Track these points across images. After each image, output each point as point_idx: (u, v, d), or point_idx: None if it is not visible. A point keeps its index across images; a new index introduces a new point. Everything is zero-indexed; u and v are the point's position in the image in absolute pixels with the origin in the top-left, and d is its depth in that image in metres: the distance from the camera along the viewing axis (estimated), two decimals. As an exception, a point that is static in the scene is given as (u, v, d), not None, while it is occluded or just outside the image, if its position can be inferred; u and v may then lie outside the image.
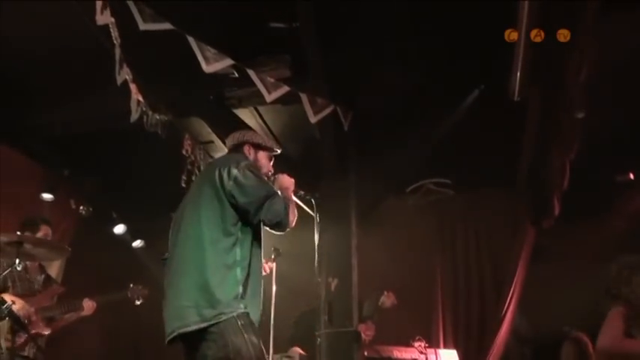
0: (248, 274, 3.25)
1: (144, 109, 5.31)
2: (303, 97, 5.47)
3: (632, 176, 7.13)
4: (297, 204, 3.85)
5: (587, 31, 4.51)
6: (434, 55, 5.51)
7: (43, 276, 5.44)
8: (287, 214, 3.33)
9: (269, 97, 5.27)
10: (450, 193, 7.55)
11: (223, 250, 3.23)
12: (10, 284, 5.05)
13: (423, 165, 6.93)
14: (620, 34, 4.82)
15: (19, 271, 4.98)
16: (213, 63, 5.00)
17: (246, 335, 3.09)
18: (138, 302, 5.99)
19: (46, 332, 5.27)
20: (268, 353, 4.90)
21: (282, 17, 5.31)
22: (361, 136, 6.16)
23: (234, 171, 3.34)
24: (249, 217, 3.30)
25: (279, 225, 3.33)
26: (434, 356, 6.03)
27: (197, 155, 6.23)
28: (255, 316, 3.24)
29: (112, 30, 4.75)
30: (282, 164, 3.95)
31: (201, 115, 6.29)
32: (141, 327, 7.40)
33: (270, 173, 3.72)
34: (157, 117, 5.46)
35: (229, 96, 6.05)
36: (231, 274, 3.19)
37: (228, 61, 5.03)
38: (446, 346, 6.92)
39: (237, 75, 5.38)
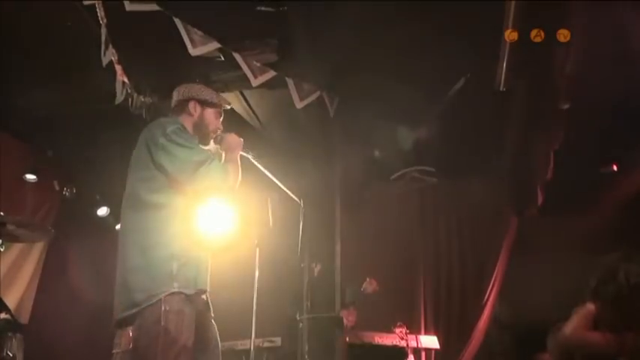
0: (187, 248, 3.10)
1: (129, 90, 5.28)
2: (290, 82, 5.47)
3: (615, 168, 7.18)
4: (283, 189, 3.80)
5: (574, 22, 4.54)
6: (421, 42, 5.50)
7: None
8: (224, 178, 3.17)
9: (255, 82, 5.26)
10: (433, 181, 7.58)
11: (153, 227, 3.08)
12: None
13: (408, 153, 6.94)
14: (606, 24, 4.83)
15: None
16: (199, 46, 5.00)
17: (183, 310, 2.97)
18: None
19: None
20: (249, 337, 4.92)
21: (269, 0, 5.28)
22: (346, 123, 6.16)
23: (160, 139, 3.13)
24: (182, 184, 3.11)
25: (218, 189, 3.21)
26: (415, 342, 6.08)
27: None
28: (192, 291, 3.07)
29: (98, 10, 4.72)
30: (267, 149, 3.92)
31: (186, 98, 6.25)
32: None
33: (218, 131, 3.50)
34: (142, 99, 5.42)
35: (215, 79, 6.01)
36: (165, 251, 3.03)
37: (214, 44, 5.03)
38: (427, 332, 6.98)
39: (223, 58, 5.34)
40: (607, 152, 6.96)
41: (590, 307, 3.49)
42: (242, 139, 3.46)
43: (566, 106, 5.37)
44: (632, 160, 6.98)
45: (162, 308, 2.92)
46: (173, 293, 2.97)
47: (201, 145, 3.35)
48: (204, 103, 3.48)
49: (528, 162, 6.22)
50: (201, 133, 3.44)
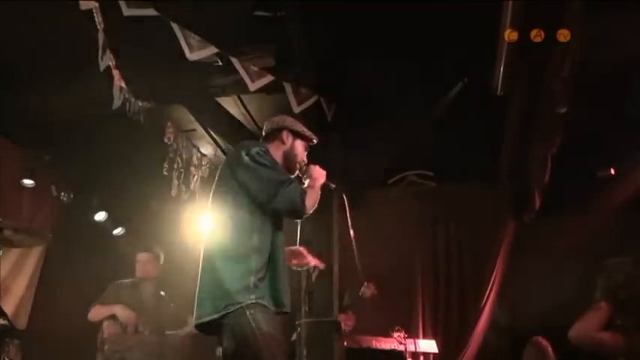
0: (266, 263, 3.17)
1: (126, 95, 5.28)
2: (287, 86, 5.47)
3: (613, 172, 7.19)
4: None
5: (572, 27, 4.54)
6: (419, 47, 5.51)
7: None
8: (302, 201, 3.22)
9: (252, 86, 5.26)
10: (432, 185, 7.58)
11: (238, 239, 3.17)
12: None
13: (406, 156, 6.95)
14: (605, 31, 4.85)
15: None
16: (196, 50, 5.00)
17: (254, 325, 3.00)
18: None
19: None
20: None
21: (267, 6, 5.28)
22: (344, 127, 6.16)
23: (245, 158, 3.25)
24: (264, 205, 3.21)
25: (294, 213, 3.28)
26: (413, 346, 6.07)
27: (179, 143, 6.22)
28: (271, 306, 3.15)
29: (95, 15, 4.73)
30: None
31: (184, 103, 6.26)
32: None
33: (303, 163, 3.61)
34: (140, 104, 5.42)
35: (212, 84, 6.02)
36: (244, 263, 3.12)
37: (211, 49, 5.02)
38: (425, 337, 6.97)
39: (220, 63, 5.34)
40: (604, 156, 6.97)
41: (604, 306, 3.51)
42: (325, 171, 3.56)
43: (563, 110, 5.37)
44: (630, 164, 6.99)
45: (247, 312, 3.02)
46: (254, 303, 3.06)
47: None
48: (296, 134, 3.62)
49: (526, 166, 6.23)
50: (289, 163, 3.57)
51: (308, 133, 3.67)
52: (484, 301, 7.15)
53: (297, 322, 5.74)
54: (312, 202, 3.31)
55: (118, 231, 8.18)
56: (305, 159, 3.65)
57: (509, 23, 4.49)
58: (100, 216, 7.95)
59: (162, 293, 6.23)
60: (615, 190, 7.13)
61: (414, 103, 6.02)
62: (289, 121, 3.67)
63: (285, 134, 3.59)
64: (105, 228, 8.04)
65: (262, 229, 3.22)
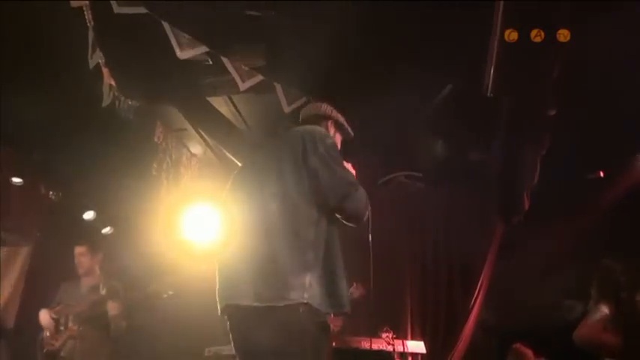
0: (322, 260, 2.93)
1: (116, 94, 5.27)
2: (278, 86, 5.46)
3: (602, 174, 7.24)
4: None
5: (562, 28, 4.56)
6: (409, 47, 5.52)
7: None
8: (366, 208, 3.08)
9: (243, 86, 5.25)
10: (421, 186, 7.59)
11: (295, 228, 2.91)
12: None
13: (396, 157, 6.96)
14: (595, 33, 4.87)
15: None
16: (187, 49, 4.99)
17: (302, 326, 2.80)
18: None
19: None
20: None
21: (258, 5, 5.27)
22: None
23: (321, 147, 3.01)
24: (328, 202, 2.97)
25: (357, 218, 3.08)
26: (401, 347, 6.07)
27: (169, 143, 6.20)
28: (322, 308, 2.90)
29: (86, 12, 4.71)
30: (254, 153, 3.89)
31: (174, 102, 6.23)
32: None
33: None
34: (129, 103, 5.40)
35: (203, 83, 6.00)
36: (301, 256, 2.87)
37: (202, 48, 5.02)
38: (413, 337, 6.98)
39: (211, 62, 5.33)
40: (593, 158, 7.01)
41: (605, 307, 3.54)
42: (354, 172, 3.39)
43: (552, 112, 5.40)
44: (618, 166, 7.04)
45: (298, 311, 2.80)
46: (305, 303, 2.83)
47: None
48: (338, 128, 3.51)
49: (515, 167, 6.25)
50: None
51: (349, 127, 3.54)
52: (472, 302, 7.17)
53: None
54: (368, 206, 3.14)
55: (106, 230, 8.15)
56: None
57: (501, 23, 4.51)
58: (89, 215, 7.92)
59: (102, 288, 5.88)
60: (604, 192, 7.19)
61: (403, 103, 6.03)
62: (336, 113, 3.53)
63: (330, 123, 3.46)
64: (93, 227, 8.01)
65: (319, 223, 2.96)
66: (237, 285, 2.89)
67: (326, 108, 3.53)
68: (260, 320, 2.81)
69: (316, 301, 2.86)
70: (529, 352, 6.18)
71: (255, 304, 2.80)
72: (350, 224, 3.11)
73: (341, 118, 3.52)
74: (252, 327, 2.84)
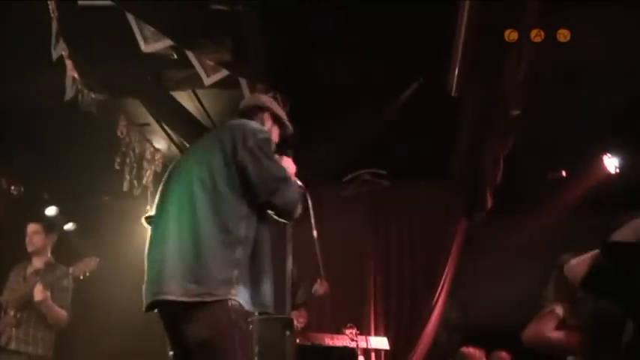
0: (251, 257, 2.88)
1: (79, 87, 5.17)
2: (243, 82, 5.43)
3: (564, 173, 7.35)
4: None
5: (527, 29, 4.61)
6: (375, 46, 5.54)
7: None
8: (298, 203, 3.02)
9: (207, 81, 5.21)
10: (385, 183, 7.63)
11: (225, 223, 2.85)
12: None
13: (360, 155, 6.98)
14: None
15: None
16: (151, 43, 4.94)
17: (234, 321, 2.77)
18: (83, 277, 5.69)
19: None
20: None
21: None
22: (298, 124, 6.14)
23: (251, 141, 2.96)
24: (257, 197, 2.92)
25: (288, 214, 3.02)
26: (365, 343, 6.10)
27: (132, 137, 6.13)
28: (249, 305, 2.86)
29: (49, 3, 4.63)
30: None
31: (137, 96, 6.17)
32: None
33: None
34: (92, 96, 5.31)
35: (167, 78, 5.94)
36: (229, 252, 2.82)
37: (167, 42, 4.97)
38: (377, 334, 7.02)
39: (175, 56, 5.28)
40: (556, 157, 7.11)
41: (558, 307, 3.57)
42: (295, 167, 3.36)
43: (516, 112, 5.45)
44: (580, 165, 7.15)
45: (227, 306, 2.76)
46: (233, 299, 2.80)
47: None
48: (276, 121, 3.43)
49: (478, 166, 6.31)
50: None
51: (287, 122, 3.48)
52: (435, 299, 7.25)
53: (249, 319, 5.72)
54: (301, 201, 3.09)
55: (69, 226, 8.04)
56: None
57: (466, 23, 4.54)
58: (51, 211, 7.80)
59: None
60: (566, 191, 7.29)
61: (368, 101, 6.05)
62: (274, 105, 3.48)
63: (266, 116, 3.39)
64: (56, 223, 7.89)
65: (250, 219, 2.91)
66: (166, 280, 2.83)
67: (265, 100, 3.51)
68: (189, 315, 2.79)
69: (243, 298, 2.83)
70: (476, 353, 6.28)
71: (183, 299, 2.77)
72: (282, 220, 3.07)
73: (280, 112, 3.47)
74: (182, 322, 2.83)
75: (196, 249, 2.82)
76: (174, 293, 2.78)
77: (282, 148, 3.49)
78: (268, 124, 3.39)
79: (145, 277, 2.99)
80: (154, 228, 3.10)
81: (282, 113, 3.47)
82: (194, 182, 2.97)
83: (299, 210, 3.05)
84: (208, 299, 2.75)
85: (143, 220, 3.31)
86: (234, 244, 2.85)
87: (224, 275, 2.79)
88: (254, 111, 3.41)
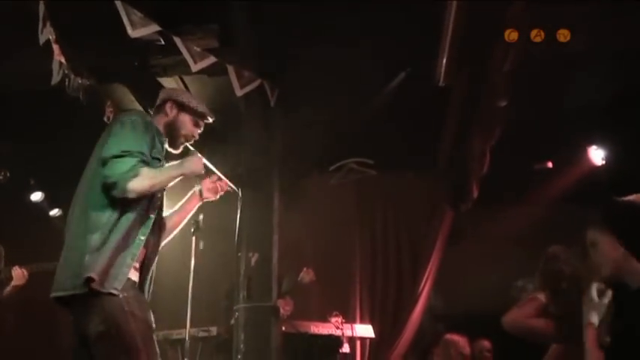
0: (113, 242, 2.92)
1: (66, 71, 5.14)
2: (230, 69, 5.41)
3: (550, 165, 7.38)
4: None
5: (514, 20, 4.63)
6: (364, 34, 5.53)
7: None
8: (126, 178, 2.93)
9: (195, 67, 5.19)
10: (372, 172, 7.63)
11: (90, 213, 2.96)
12: None
13: (347, 144, 6.98)
14: (547, 25, 4.93)
15: None
16: (139, 28, 4.89)
17: (127, 308, 2.86)
18: None
19: None
20: (184, 327, 4.88)
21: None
22: (286, 112, 6.14)
23: (115, 127, 3.11)
24: (104, 170, 3.00)
25: (112, 187, 2.94)
26: (350, 331, 6.13)
27: (119, 123, 6.09)
28: (109, 288, 2.87)
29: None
30: (205, 136, 3.85)
31: (124, 81, 6.12)
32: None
33: (191, 138, 3.43)
34: (79, 81, 5.28)
35: (154, 63, 5.90)
36: (91, 240, 2.89)
37: (154, 27, 4.93)
38: (362, 321, 7.05)
39: (163, 42, 5.25)
40: (542, 148, 7.14)
41: (540, 295, 3.61)
42: (202, 170, 3.35)
43: (503, 103, 5.47)
44: (566, 156, 7.18)
45: (101, 295, 2.84)
46: (99, 290, 2.86)
47: (170, 149, 3.35)
48: (181, 107, 3.41)
49: (465, 156, 6.33)
50: (172, 136, 3.37)
51: (196, 105, 3.44)
52: (421, 288, 7.28)
53: (235, 307, 5.73)
54: (149, 184, 3.02)
55: (54, 212, 8.00)
56: (195, 135, 3.46)
57: (454, 13, 4.55)
58: (37, 196, 7.76)
59: None
60: (551, 182, 7.33)
61: (356, 90, 6.04)
62: (176, 93, 3.52)
63: (168, 105, 3.40)
64: (41, 209, 7.85)
65: (114, 206, 2.99)
66: (59, 276, 2.98)
67: (166, 92, 3.55)
68: (86, 309, 2.88)
69: (110, 285, 2.87)
70: (460, 340, 6.33)
71: (60, 293, 2.90)
72: (112, 194, 2.97)
73: (185, 98, 3.46)
74: (83, 317, 2.90)
75: (69, 242, 3.00)
76: (62, 289, 2.93)
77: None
78: (173, 112, 3.40)
79: None
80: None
81: (185, 98, 3.46)
82: (83, 181, 3.16)
83: (126, 185, 2.94)
84: (79, 291, 2.85)
85: None
86: (94, 231, 2.92)
87: (89, 264, 2.85)
88: (159, 106, 3.45)
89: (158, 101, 3.48)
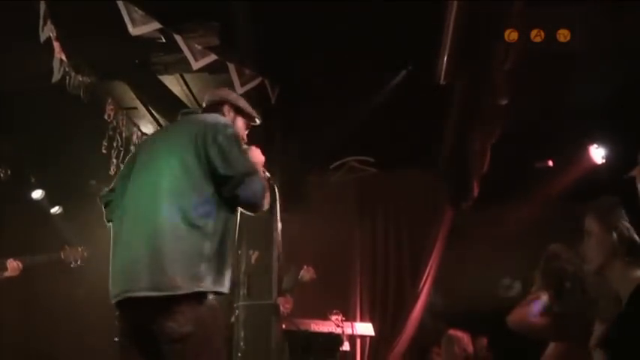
0: (217, 251, 2.89)
1: (66, 69, 5.14)
2: (231, 66, 5.42)
3: (550, 163, 7.38)
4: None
5: (514, 19, 4.63)
6: (364, 33, 5.53)
7: None
8: (263, 197, 3.01)
9: (195, 65, 5.19)
10: (372, 171, 7.64)
11: (193, 218, 2.88)
12: None
13: (348, 142, 6.98)
14: (546, 24, 4.93)
15: None
16: (140, 26, 4.90)
17: (206, 311, 2.80)
18: (74, 265, 5.70)
19: None
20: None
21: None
22: (287, 111, 6.14)
23: (220, 137, 2.99)
24: (224, 191, 2.95)
25: (253, 206, 3.01)
26: (350, 329, 6.14)
27: (119, 121, 6.09)
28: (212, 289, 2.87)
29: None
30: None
31: (125, 79, 6.13)
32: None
33: (243, 142, 3.39)
34: (80, 79, 5.28)
35: (155, 61, 5.90)
36: (197, 247, 2.85)
37: (155, 25, 4.93)
38: (362, 320, 7.06)
39: (164, 40, 5.25)
40: (543, 147, 7.14)
41: (544, 293, 3.62)
42: (263, 156, 3.37)
43: (504, 101, 5.47)
44: (567, 155, 7.18)
45: (209, 297, 2.83)
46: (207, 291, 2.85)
47: None
48: (237, 111, 3.44)
49: (465, 155, 6.33)
50: None
51: (250, 111, 3.50)
52: (421, 286, 7.29)
53: (235, 305, 5.73)
54: (267, 194, 3.10)
55: (55, 210, 8.01)
56: (245, 138, 3.47)
57: (456, 12, 4.55)
58: (37, 194, 7.77)
59: None
60: (552, 180, 7.33)
61: (357, 89, 6.05)
62: (233, 96, 3.53)
63: (226, 108, 3.41)
64: (42, 206, 7.86)
65: (218, 213, 2.94)
66: (134, 275, 2.86)
67: (222, 92, 3.54)
68: (165, 312, 2.78)
69: (209, 288, 2.85)
70: (464, 336, 6.32)
71: (153, 294, 2.78)
72: (247, 212, 3.06)
73: (242, 102, 3.49)
74: (161, 321, 2.80)
75: (164, 243, 2.85)
76: (145, 289, 2.80)
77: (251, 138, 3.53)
78: (230, 115, 3.41)
79: (113, 270, 2.98)
80: (119, 217, 3.10)
81: (242, 103, 3.49)
82: (164, 174, 3.01)
83: (265, 202, 3.05)
84: (179, 292, 2.76)
85: (99, 199, 3.30)
86: (203, 240, 2.87)
87: (193, 270, 2.81)
88: (214, 106, 3.43)
89: (212, 101, 3.46)
